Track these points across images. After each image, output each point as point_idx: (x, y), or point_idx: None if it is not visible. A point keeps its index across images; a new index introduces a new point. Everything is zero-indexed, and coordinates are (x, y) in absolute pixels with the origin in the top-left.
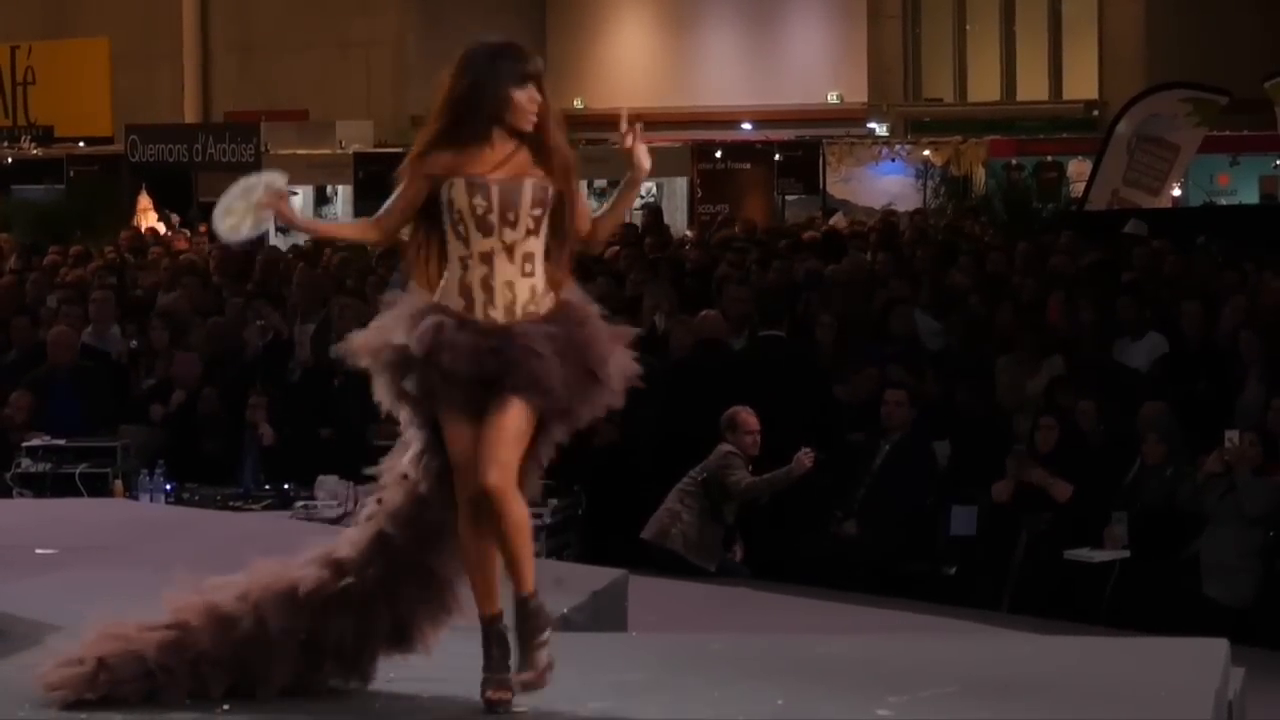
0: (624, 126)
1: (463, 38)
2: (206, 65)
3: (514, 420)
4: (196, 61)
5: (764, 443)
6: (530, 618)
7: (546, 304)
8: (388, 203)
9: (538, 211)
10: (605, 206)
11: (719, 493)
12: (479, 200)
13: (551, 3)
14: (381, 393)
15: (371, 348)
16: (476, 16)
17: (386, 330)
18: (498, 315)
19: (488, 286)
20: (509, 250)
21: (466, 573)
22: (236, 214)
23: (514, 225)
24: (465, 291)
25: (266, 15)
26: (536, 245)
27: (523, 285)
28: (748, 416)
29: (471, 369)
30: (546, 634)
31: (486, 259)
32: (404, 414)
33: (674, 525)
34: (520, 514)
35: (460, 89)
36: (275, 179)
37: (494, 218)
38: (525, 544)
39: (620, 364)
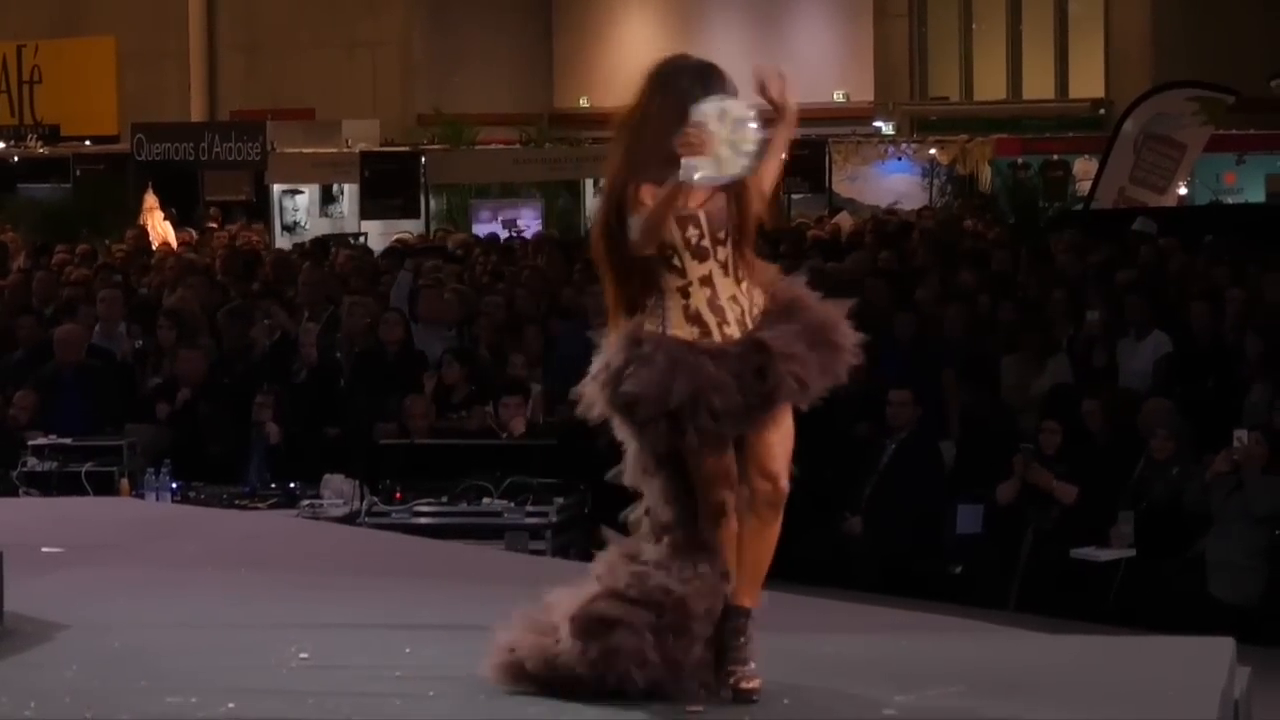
0: (771, 80)
1: (468, 37)
2: (213, 64)
3: (788, 424)
4: (203, 60)
5: None
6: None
7: (760, 300)
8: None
9: (734, 221)
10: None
11: None
12: (691, 231)
13: (558, 2)
14: (636, 446)
15: (617, 401)
16: (483, 16)
17: (623, 377)
18: (733, 332)
19: (716, 308)
20: (724, 267)
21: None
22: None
23: (724, 242)
24: (694, 319)
25: (273, 14)
26: (733, 250)
27: (743, 295)
28: None
29: (745, 399)
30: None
31: (707, 282)
32: (639, 462)
33: None
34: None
35: (658, 107)
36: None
37: (707, 243)
38: (769, 556)
39: (846, 327)
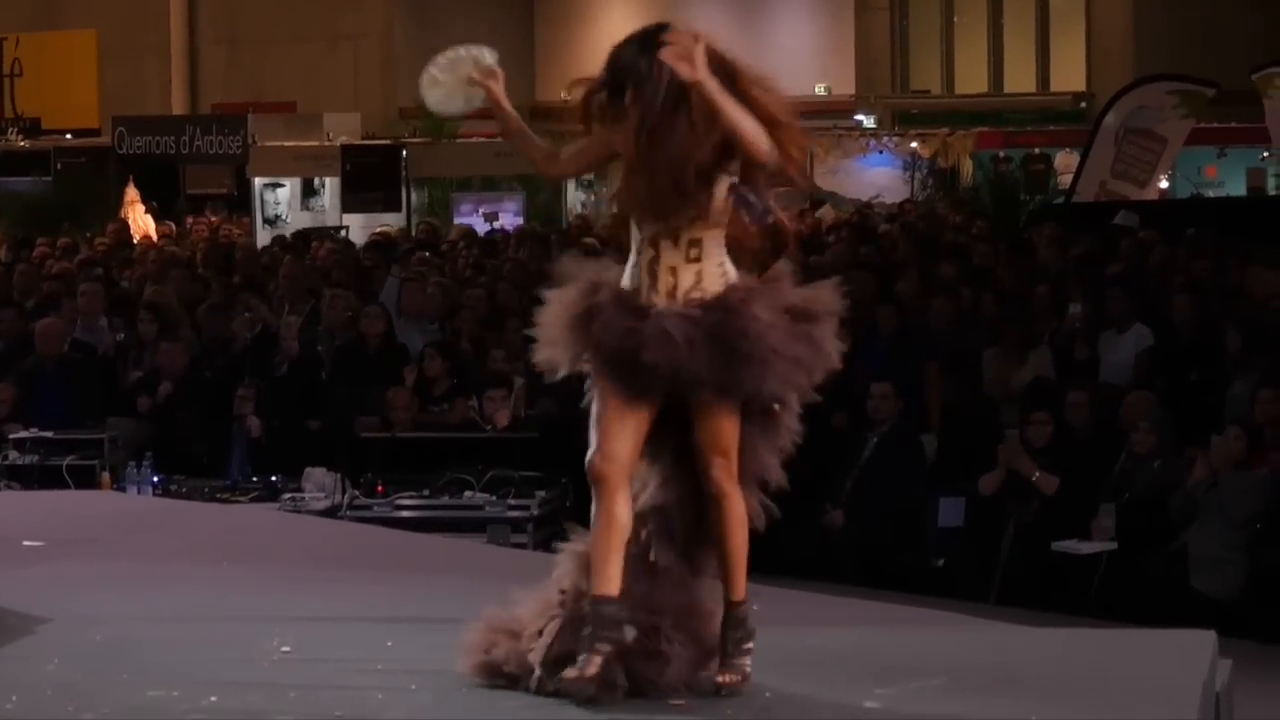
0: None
1: (451, 29)
2: (194, 57)
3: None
4: (184, 54)
5: None
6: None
7: (716, 289)
8: (578, 145)
9: (702, 197)
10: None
11: None
12: None
13: None
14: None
15: (559, 296)
16: (464, 8)
17: (568, 289)
18: (659, 300)
19: (652, 271)
20: (674, 238)
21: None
22: (443, 86)
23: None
24: (635, 274)
25: (254, 7)
26: (707, 231)
27: (687, 271)
28: None
29: (611, 341)
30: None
31: (653, 243)
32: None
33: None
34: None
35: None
36: (484, 54)
37: None
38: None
39: (791, 343)
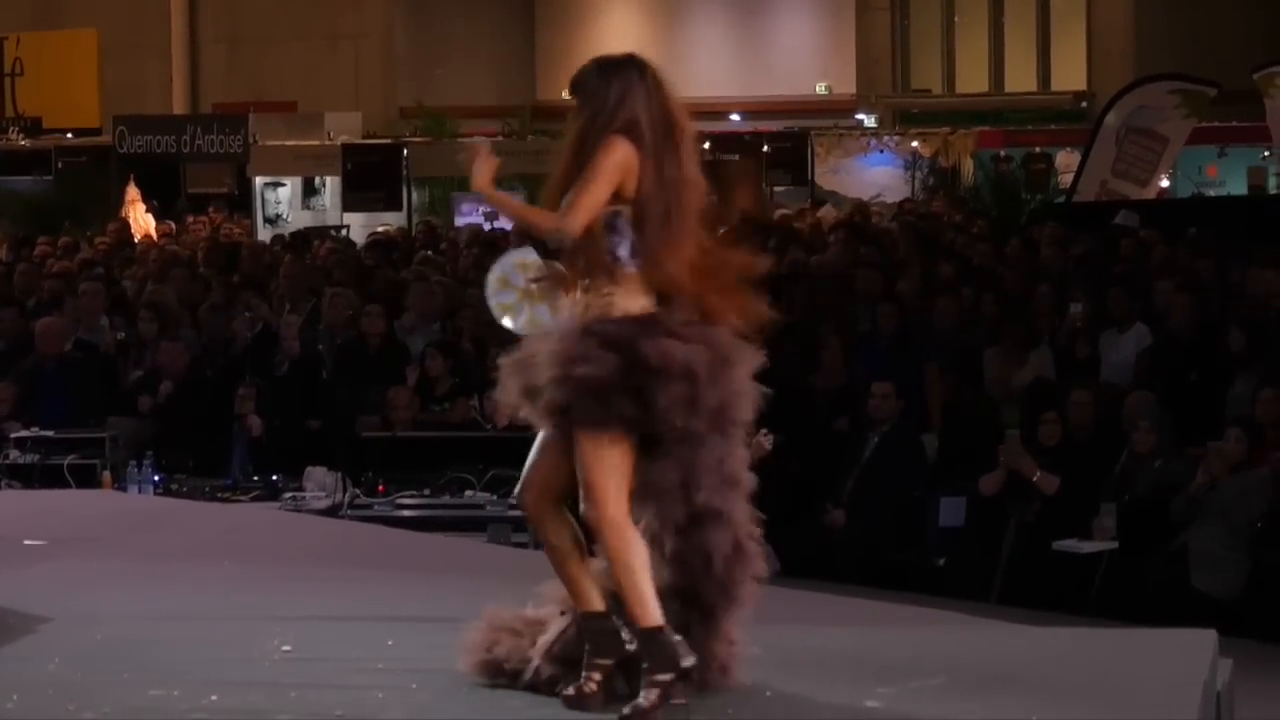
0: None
1: (450, 29)
2: (195, 57)
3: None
4: (185, 53)
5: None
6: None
7: (594, 317)
8: None
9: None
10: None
11: None
12: None
13: None
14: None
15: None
16: (464, 8)
17: None
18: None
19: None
20: (570, 265)
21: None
22: (513, 309)
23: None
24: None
25: (255, 7)
26: (578, 262)
27: (582, 301)
28: None
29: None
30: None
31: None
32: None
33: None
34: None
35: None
36: (525, 256)
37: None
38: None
39: (572, 369)
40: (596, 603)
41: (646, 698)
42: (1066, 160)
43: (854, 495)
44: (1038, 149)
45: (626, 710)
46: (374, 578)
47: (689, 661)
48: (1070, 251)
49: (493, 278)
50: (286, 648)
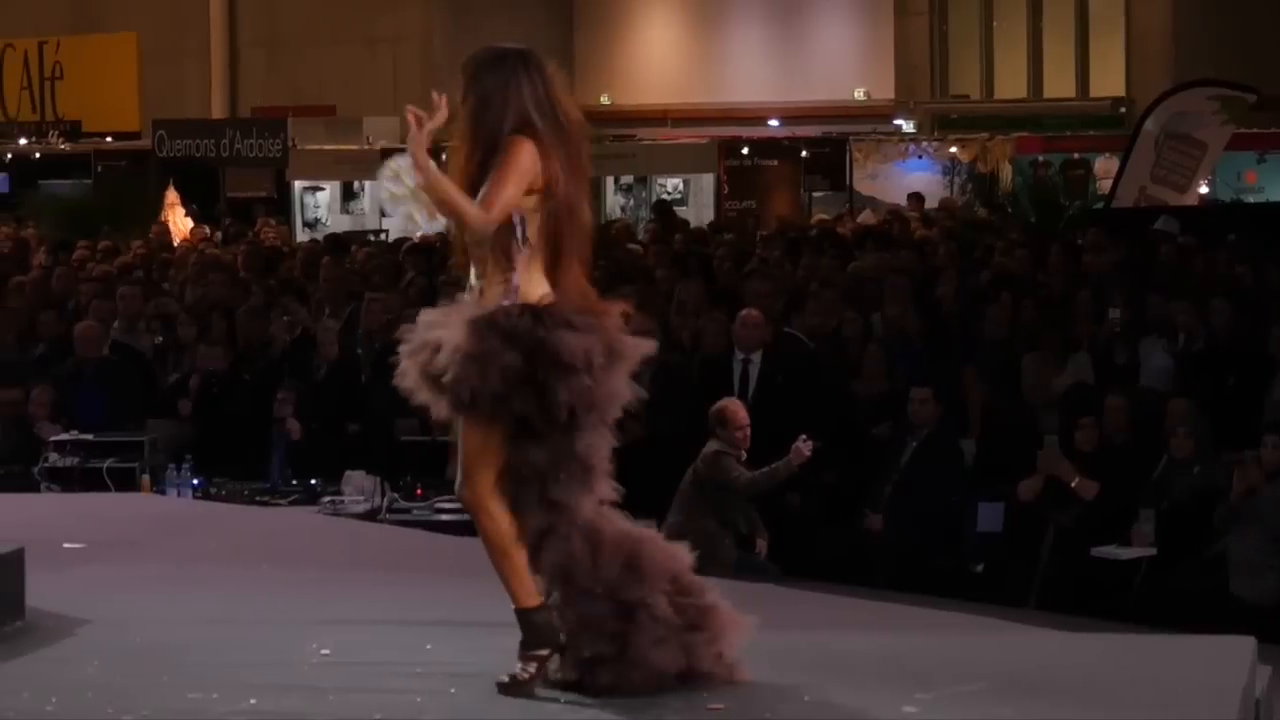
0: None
1: (489, 33)
2: (234, 60)
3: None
4: (224, 57)
5: (781, 440)
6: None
7: (489, 307)
8: None
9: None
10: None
11: (718, 492)
12: None
13: None
14: None
15: None
16: (503, 12)
17: None
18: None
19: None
20: (467, 252)
21: None
22: (398, 199)
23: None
24: None
25: (293, 10)
26: (481, 250)
27: (477, 289)
28: (737, 409)
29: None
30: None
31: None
32: None
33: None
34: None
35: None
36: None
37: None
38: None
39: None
40: (534, 597)
41: (525, 670)
42: (1105, 166)
43: (892, 500)
44: (1076, 155)
45: (503, 678)
46: (412, 581)
47: (561, 641)
48: (1109, 257)
49: (390, 166)
50: (325, 651)
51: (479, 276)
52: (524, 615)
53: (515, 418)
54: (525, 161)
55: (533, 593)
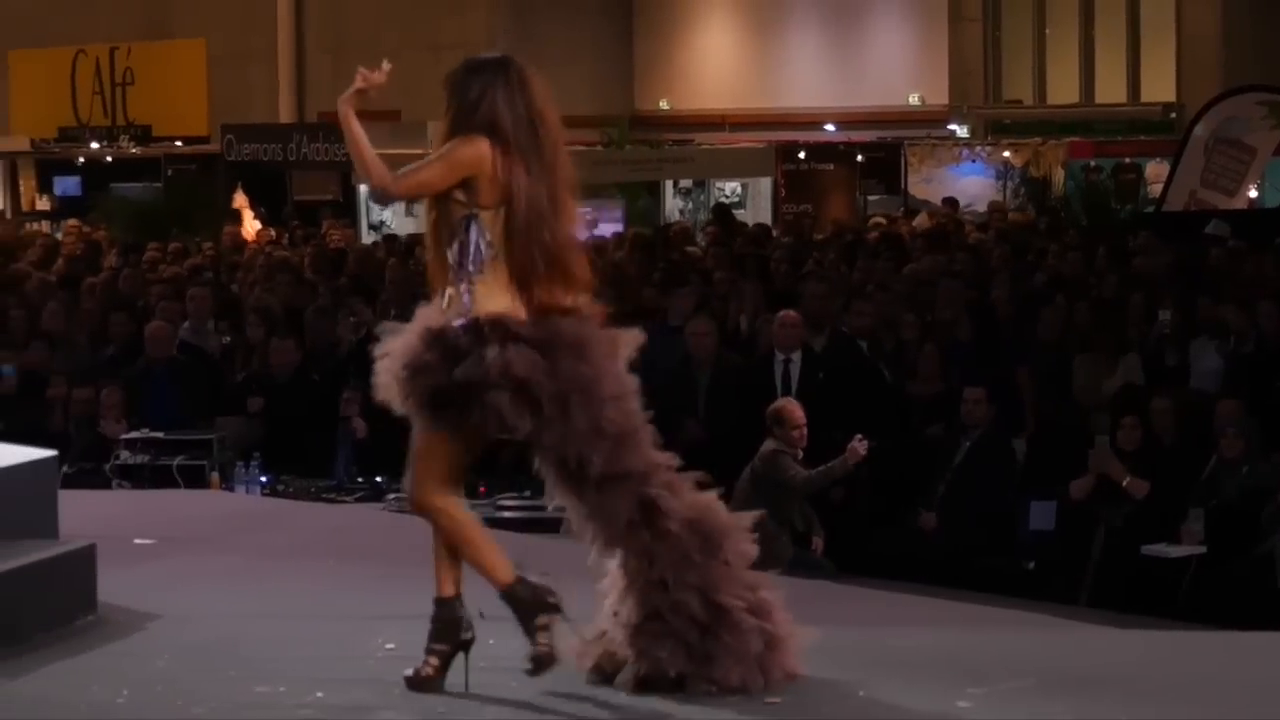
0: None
1: (552, 39)
2: (301, 66)
3: (426, 439)
4: (291, 62)
5: (835, 439)
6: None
7: (453, 314)
8: None
9: (432, 216)
10: None
11: (775, 490)
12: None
13: (639, 5)
14: None
15: None
16: (565, 18)
17: None
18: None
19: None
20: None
21: None
22: None
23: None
24: None
25: (360, 17)
26: (450, 255)
27: (447, 297)
28: (794, 409)
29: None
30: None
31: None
32: None
33: None
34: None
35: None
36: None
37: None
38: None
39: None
40: (449, 589)
41: (538, 643)
42: (1156, 170)
43: (945, 499)
44: (1127, 159)
45: (530, 654)
46: (474, 577)
47: (553, 602)
48: (1160, 260)
49: None
50: (390, 645)
51: (449, 284)
52: (509, 591)
53: (459, 430)
54: (465, 156)
55: (509, 571)
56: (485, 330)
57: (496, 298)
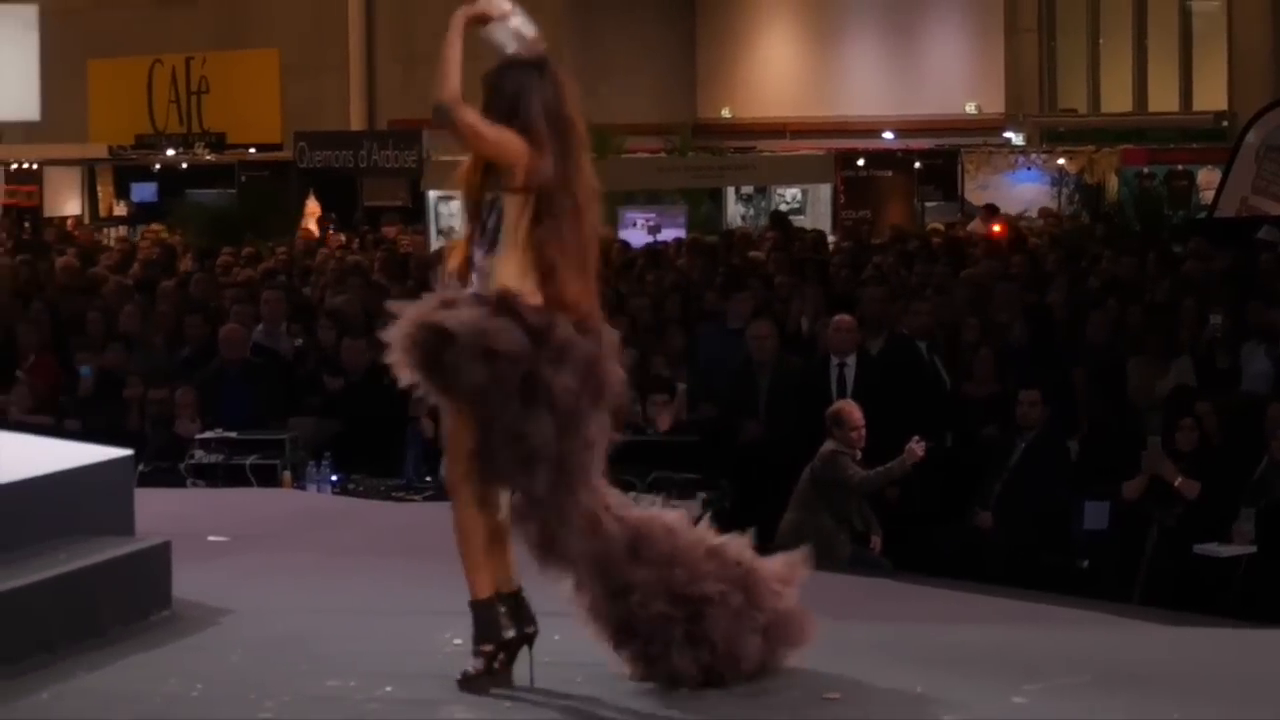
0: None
1: (614, 48)
2: (371, 75)
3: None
4: (362, 72)
5: (892, 440)
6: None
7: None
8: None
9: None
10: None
11: (835, 491)
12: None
13: (701, 15)
14: None
15: None
16: (628, 28)
17: None
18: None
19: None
20: (481, 234)
21: None
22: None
23: (482, 214)
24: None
25: (429, 27)
26: (475, 232)
27: (480, 266)
28: (852, 410)
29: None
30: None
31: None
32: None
33: (797, 538)
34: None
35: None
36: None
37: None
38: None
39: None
40: (485, 590)
41: (474, 666)
42: (1208, 178)
43: (1002, 498)
44: (1180, 167)
45: (459, 676)
46: (539, 575)
47: (510, 634)
48: (1212, 265)
49: (513, 21)
50: (458, 641)
51: (475, 259)
52: (477, 607)
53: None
54: (513, 143)
55: (487, 586)
56: (490, 298)
57: (511, 280)
